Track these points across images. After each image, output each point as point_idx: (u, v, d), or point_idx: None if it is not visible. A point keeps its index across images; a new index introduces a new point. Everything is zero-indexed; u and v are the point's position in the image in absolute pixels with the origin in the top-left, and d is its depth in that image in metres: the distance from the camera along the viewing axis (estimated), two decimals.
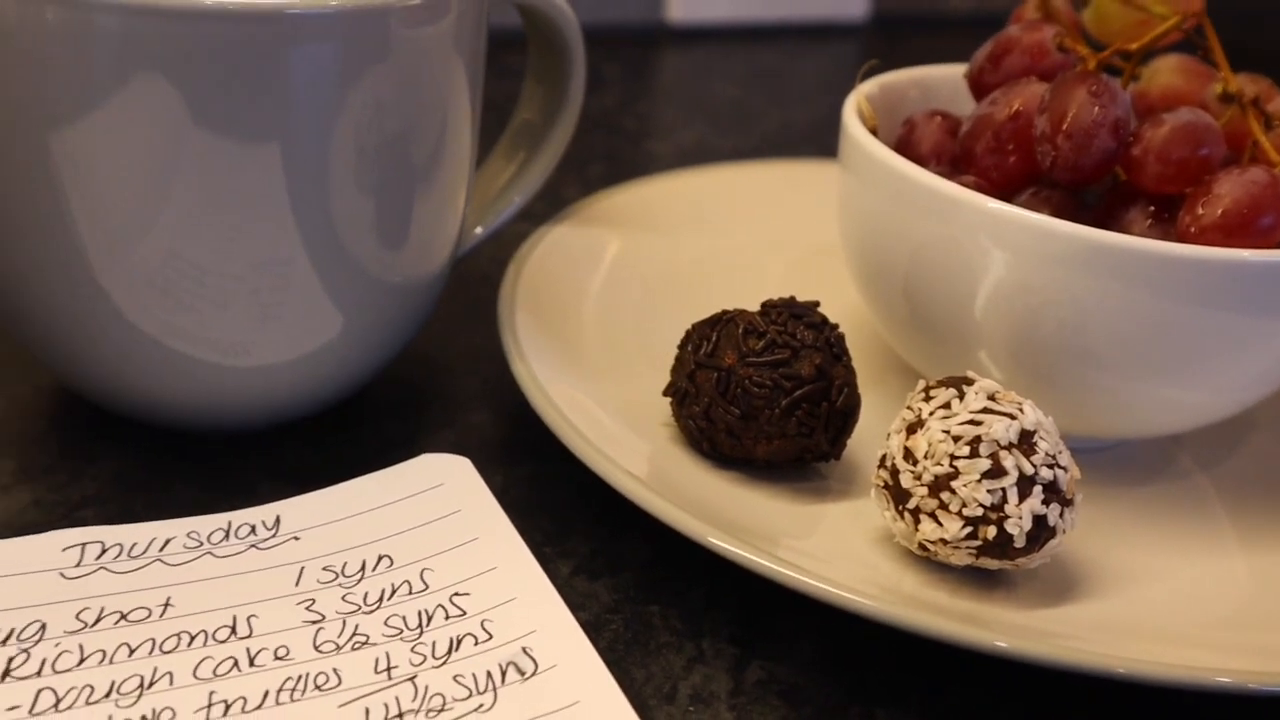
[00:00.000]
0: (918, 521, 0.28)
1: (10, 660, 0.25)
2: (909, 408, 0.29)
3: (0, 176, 0.29)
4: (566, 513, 0.32)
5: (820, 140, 0.61)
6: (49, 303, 0.30)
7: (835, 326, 0.32)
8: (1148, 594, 0.30)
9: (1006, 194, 0.33)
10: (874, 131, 0.35)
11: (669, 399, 0.33)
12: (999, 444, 0.28)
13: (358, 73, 0.29)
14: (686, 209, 0.44)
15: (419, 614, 0.27)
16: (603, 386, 0.34)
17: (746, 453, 0.31)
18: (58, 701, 0.24)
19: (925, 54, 0.77)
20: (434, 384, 0.37)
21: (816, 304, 0.32)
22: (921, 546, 0.29)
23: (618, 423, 0.33)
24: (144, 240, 0.29)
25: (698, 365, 0.31)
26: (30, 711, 0.24)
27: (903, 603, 0.27)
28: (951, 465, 0.28)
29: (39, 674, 0.25)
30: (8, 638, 0.25)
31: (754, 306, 0.33)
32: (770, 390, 0.30)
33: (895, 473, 0.29)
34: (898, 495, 0.29)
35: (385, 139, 0.30)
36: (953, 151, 0.36)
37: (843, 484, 0.32)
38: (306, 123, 0.28)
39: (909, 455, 0.28)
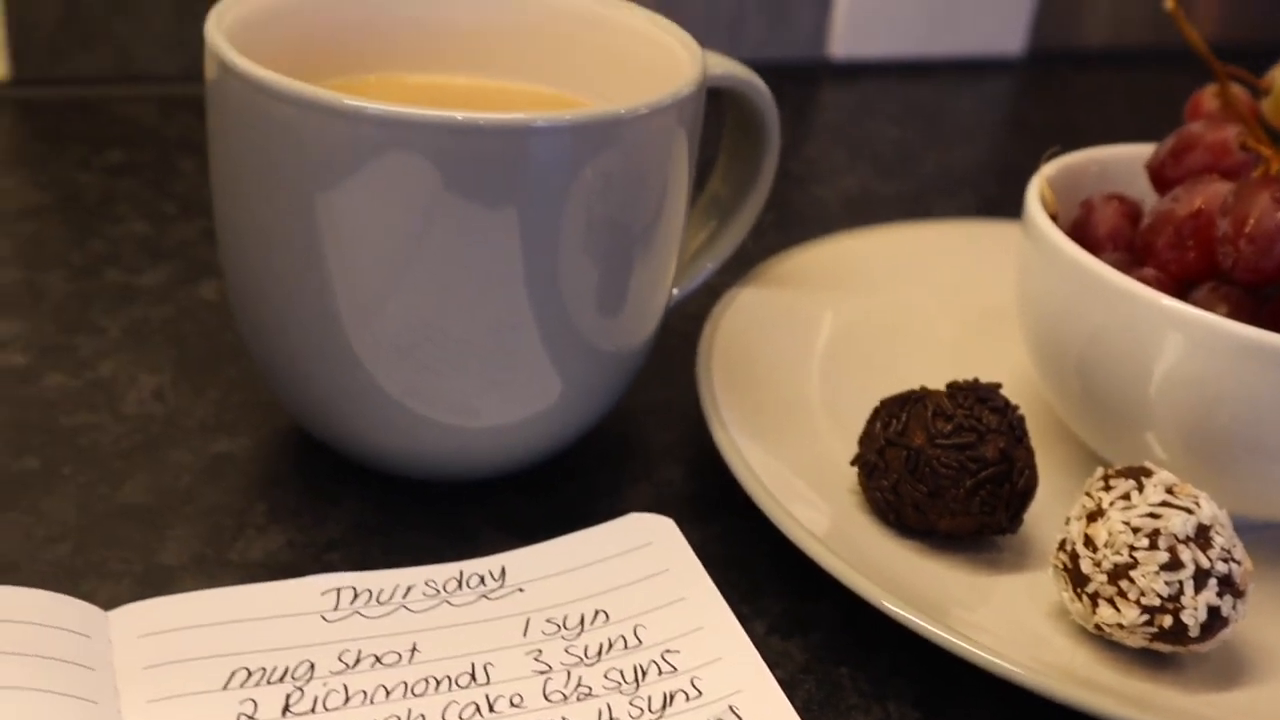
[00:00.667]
0: (1095, 605, 0.30)
1: (289, 696, 0.28)
2: (1089, 495, 0.32)
3: (269, 238, 0.32)
4: (759, 571, 0.35)
5: (978, 185, 0.63)
6: (301, 358, 0.34)
7: (1016, 408, 0.34)
8: None
9: (1184, 286, 0.35)
10: (1054, 216, 0.37)
11: (856, 468, 0.35)
12: (1177, 538, 0.30)
13: (591, 157, 0.31)
14: (863, 268, 0.46)
15: (634, 669, 0.30)
16: (792, 450, 0.37)
17: (930, 525, 0.34)
18: None
19: (1080, 90, 0.78)
20: (629, 438, 0.40)
21: (999, 386, 0.35)
22: (1097, 628, 0.31)
23: (807, 487, 0.35)
24: (391, 304, 0.32)
25: (887, 442, 0.34)
26: None
27: (1076, 682, 0.30)
28: (1131, 556, 0.30)
29: (313, 711, 0.28)
30: (284, 675, 0.29)
31: (929, 370, 0.36)
32: (956, 471, 0.33)
33: (1075, 557, 0.31)
34: (1076, 578, 0.31)
35: (611, 211, 0.32)
36: (1129, 237, 0.38)
37: (1017, 555, 0.35)
38: (542, 198, 0.31)
39: (1089, 542, 0.31)
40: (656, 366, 0.43)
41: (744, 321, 0.41)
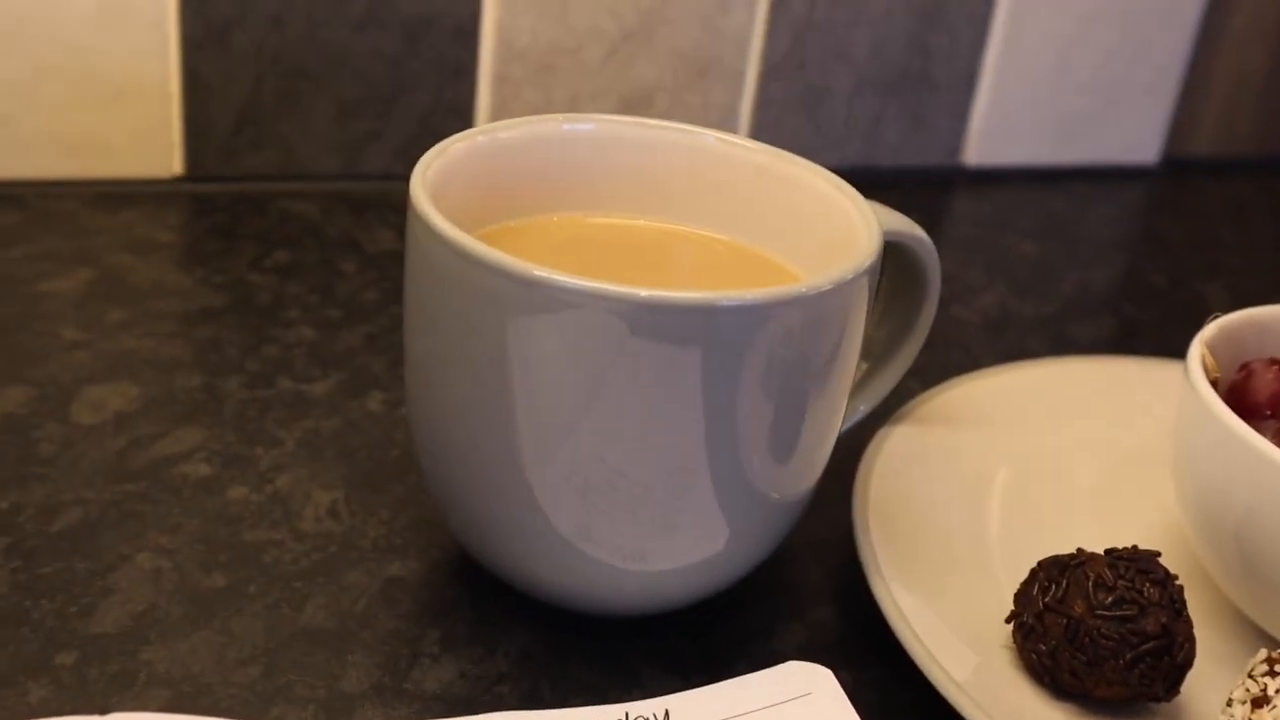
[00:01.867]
0: None
1: None
2: (1252, 678, 0.32)
3: (456, 375, 0.34)
4: (921, 716, 0.36)
5: (1117, 308, 0.63)
6: (478, 494, 0.35)
7: (1176, 579, 0.35)
8: None
9: None
10: (1214, 381, 0.38)
11: (1010, 625, 0.36)
12: None
13: (773, 328, 0.33)
14: (1008, 406, 0.47)
15: None
16: (946, 599, 0.37)
17: (1085, 691, 0.34)
18: None
19: (1219, 201, 0.78)
20: (782, 576, 0.41)
21: (1158, 555, 0.35)
22: None
23: (961, 640, 0.36)
24: (572, 446, 0.33)
25: (1046, 608, 0.34)
26: None
27: None
28: None
29: None
30: None
31: (1074, 523, 0.36)
32: (1117, 643, 0.33)
33: None
34: None
35: (789, 369, 0.34)
36: None
37: None
38: (724, 364, 0.32)
39: None
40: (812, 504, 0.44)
41: (897, 463, 0.42)
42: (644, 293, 0.31)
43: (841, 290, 0.33)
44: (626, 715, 0.34)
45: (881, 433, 0.43)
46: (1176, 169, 0.80)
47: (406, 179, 0.35)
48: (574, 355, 0.32)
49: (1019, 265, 0.66)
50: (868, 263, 0.34)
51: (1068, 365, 0.50)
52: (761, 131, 0.69)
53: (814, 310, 0.33)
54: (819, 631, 0.39)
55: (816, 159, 0.40)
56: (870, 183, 0.41)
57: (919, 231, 0.40)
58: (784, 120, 0.69)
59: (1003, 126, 0.75)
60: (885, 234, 0.38)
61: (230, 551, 0.39)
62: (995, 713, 0.33)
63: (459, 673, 0.36)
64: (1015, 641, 0.36)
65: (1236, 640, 0.38)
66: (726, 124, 0.69)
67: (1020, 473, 0.44)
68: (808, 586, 0.41)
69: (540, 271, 0.32)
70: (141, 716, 0.31)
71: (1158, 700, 0.34)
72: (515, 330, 0.32)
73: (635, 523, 0.35)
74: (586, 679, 0.36)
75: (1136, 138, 0.79)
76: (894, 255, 0.41)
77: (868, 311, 0.36)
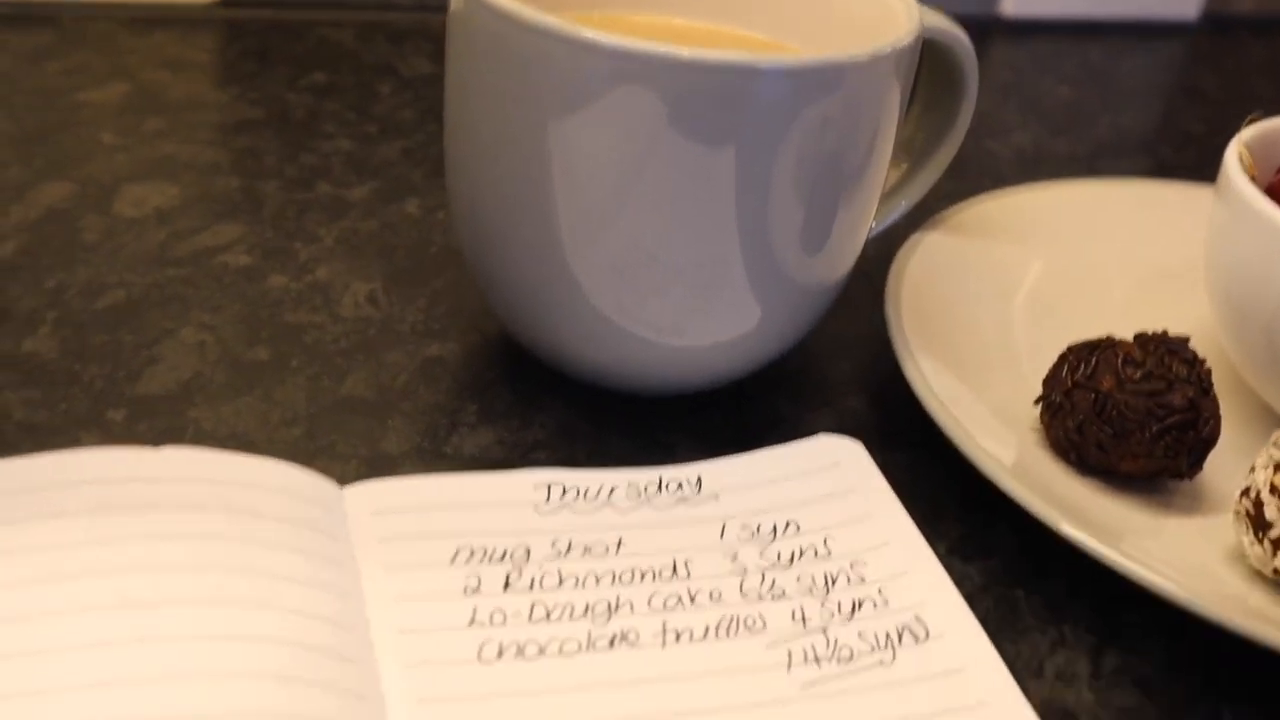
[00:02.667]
0: (1277, 549, 0.32)
1: (508, 575, 0.31)
2: (1276, 445, 0.33)
3: (500, 158, 0.34)
4: (939, 498, 0.36)
5: (1152, 150, 0.63)
6: (520, 271, 0.36)
7: (1204, 362, 0.35)
8: None
9: None
10: (1252, 179, 0.38)
11: (1038, 408, 0.37)
12: None
13: (810, 102, 0.33)
14: (1041, 221, 0.47)
15: (825, 576, 0.32)
16: (974, 385, 0.38)
17: (1110, 466, 0.35)
18: (548, 614, 0.30)
19: (1258, 58, 0.77)
20: (815, 368, 0.42)
21: (1187, 339, 0.36)
22: (1276, 571, 0.32)
23: (989, 419, 0.37)
24: (610, 227, 0.34)
25: (1075, 385, 0.35)
26: (529, 619, 0.30)
27: (1251, 614, 0.31)
28: None
29: (531, 589, 0.31)
30: (504, 556, 0.31)
31: (1108, 323, 0.37)
32: (1144, 415, 0.34)
33: (1259, 504, 0.32)
34: (1259, 523, 0.32)
35: (823, 154, 0.34)
36: None
37: (1192, 500, 0.36)
38: (760, 137, 0.33)
39: (1275, 490, 0.32)
40: (840, 304, 0.44)
41: (928, 265, 0.43)
42: (686, 53, 0.32)
43: (880, 64, 0.33)
44: (660, 479, 0.35)
45: (915, 237, 0.44)
46: (1217, 26, 0.79)
47: (443, 9, 0.35)
48: (616, 128, 0.32)
49: (1054, 107, 0.66)
50: (905, 41, 0.34)
51: (1104, 186, 0.50)
52: None
53: (852, 83, 0.33)
54: (850, 417, 0.39)
55: None
56: None
57: (957, 30, 0.40)
58: None
59: None
60: (925, 30, 0.38)
61: (272, 329, 0.40)
62: (1027, 483, 0.34)
63: (496, 440, 0.37)
64: (1043, 421, 0.36)
65: (1260, 430, 0.38)
66: None
67: (1052, 281, 0.44)
68: (841, 378, 0.41)
69: (587, 33, 0.32)
70: (194, 450, 0.32)
71: (1180, 476, 0.35)
72: (558, 100, 0.32)
73: (670, 301, 0.35)
74: (622, 451, 0.37)
75: None
76: (933, 57, 0.41)
77: (904, 107, 0.36)
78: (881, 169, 0.37)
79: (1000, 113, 0.64)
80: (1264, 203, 0.36)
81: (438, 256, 0.45)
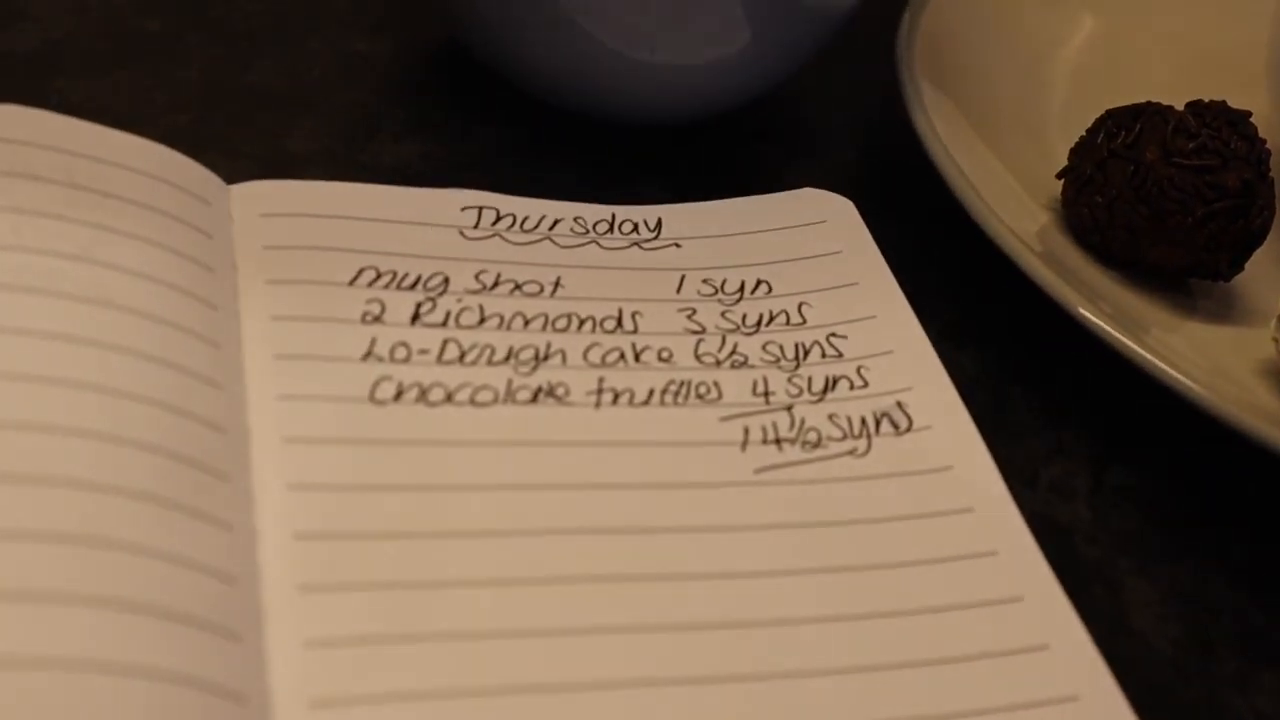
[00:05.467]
0: None
1: (419, 305, 0.26)
2: None
3: None
4: (936, 272, 0.31)
5: None
6: None
7: (1265, 142, 0.30)
8: None
9: None
10: None
11: (1062, 181, 0.31)
12: None
13: None
14: None
15: (796, 346, 0.27)
16: (990, 152, 0.33)
17: (1138, 255, 0.30)
18: (462, 355, 0.25)
19: None
20: (809, 119, 0.36)
21: (1249, 114, 0.30)
22: None
23: (1004, 188, 0.31)
24: None
25: (1111, 154, 0.30)
26: (438, 359, 0.25)
27: (1271, 421, 0.26)
28: None
29: (444, 325, 0.25)
30: (415, 283, 0.26)
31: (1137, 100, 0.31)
32: (1189, 196, 0.29)
33: None
34: None
35: None
36: None
37: (1222, 308, 0.31)
38: None
39: None
40: (845, 53, 0.38)
41: (952, 12, 0.36)
42: None
43: None
44: (614, 217, 0.29)
45: None
46: None
47: None
48: None
49: None
50: None
51: None
52: None
53: None
54: (842, 173, 0.34)
55: None
56: None
57: None
58: None
59: None
60: None
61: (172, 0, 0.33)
62: (1039, 253, 0.29)
63: (423, 153, 0.31)
64: (1065, 197, 0.31)
65: None
66: None
67: (1094, 49, 0.39)
68: (836, 130, 0.36)
69: None
70: (42, 112, 0.25)
71: (1216, 276, 0.30)
72: None
73: (643, 4, 0.29)
74: (571, 184, 0.31)
75: None
76: None
77: None
78: None
79: None
80: None
81: None
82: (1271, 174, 0.31)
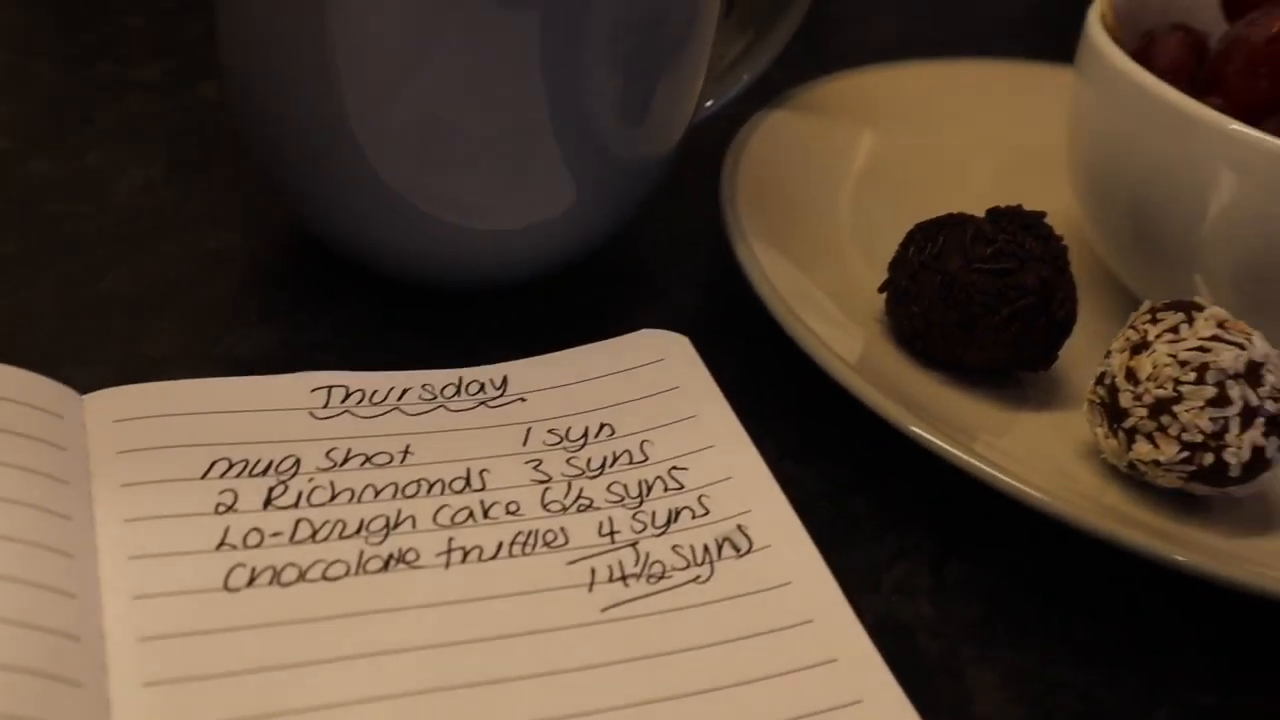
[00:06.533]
0: (1132, 441, 0.29)
1: (270, 490, 0.27)
2: (1133, 328, 0.30)
3: (278, 27, 0.30)
4: (773, 395, 0.33)
5: (1023, 37, 0.60)
6: (305, 150, 0.32)
7: (1060, 239, 0.32)
8: None
9: (1251, 119, 0.33)
10: (1116, 42, 0.35)
11: (884, 295, 0.33)
12: (1226, 373, 0.28)
13: None
14: (897, 102, 0.43)
15: (639, 484, 0.29)
16: (816, 273, 0.34)
17: (958, 357, 0.32)
18: (314, 533, 0.26)
19: None
20: (644, 262, 0.38)
21: (1043, 215, 0.32)
22: (1131, 465, 0.29)
23: (830, 309, 0.33)
24: (401, 97, 0.30)
25: (921, 266, 0.32)
26: (291, 539, 0.26)
27: (1102, 513, 0.28)
28: (1175, 390, 0.28)
29: (296, 505, 0.27)
30: (267, 469, 0.27)
31: (964, 207, 0.33)
32: (993, 298, 0.31)
33: (1114, 391, 0.29)
34: (1113, 413, 0.29)
35: (640, 16, 0.30)
36: (1192, 71, 0.35)
37: (1045, 395, 0.33)
38: None
39: (1131, 375, 0.29)
40: (678, 192, 0.40)
41: (771, 146, 0.39)
42: None
43: None
44: (460, 380, 0.31)
45: (757, 116, 0.40)
46: None
47: None
48: None
49: None
50: None
51: (963, 66, 0.47)
52: None
53: None
54: (680, 314, 0.36)
55: None
56: None
57: None
58: None
59: None
60: None
61: (26, 219, 0.35)
62: (869, 377, 0.30)
63: (279, 341, 0.32)
64: (888, 309, 0.33)
65: (1119, 320, 0.35)
66: None
67: (905, 165, 0.41)
68: (674, 273, 0.37)
69: None
70: None
71: (1033, 368, 0.32)
72: None
73: (472, 177, 0.31)
74: (421, 351, 0.33)
75: None
76: None
77: None
78: (707, 32, 0.33)
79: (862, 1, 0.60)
80: (1127, 63, 0.33)
81: (232, 143, 0.40)
82: (1072, 266, 0.33)
